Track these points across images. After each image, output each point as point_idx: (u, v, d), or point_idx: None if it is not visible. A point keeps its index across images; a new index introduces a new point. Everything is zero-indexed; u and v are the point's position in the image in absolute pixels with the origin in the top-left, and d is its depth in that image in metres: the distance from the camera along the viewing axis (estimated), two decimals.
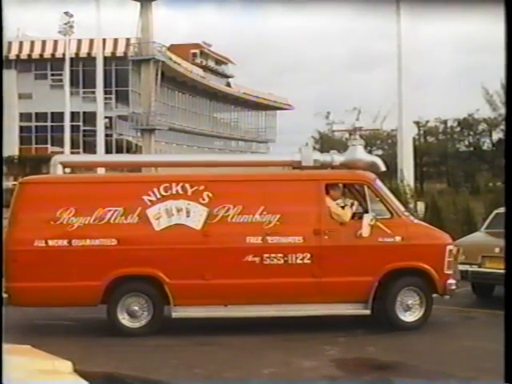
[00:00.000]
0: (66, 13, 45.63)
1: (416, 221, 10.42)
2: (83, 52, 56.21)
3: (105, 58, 44.70)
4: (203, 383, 7.57)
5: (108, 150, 48.34)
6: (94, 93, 47.90)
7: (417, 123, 45.49)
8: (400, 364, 8.24)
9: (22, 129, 57.74)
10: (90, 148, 51.05)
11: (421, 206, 19.69)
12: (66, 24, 46.08)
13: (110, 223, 9.44)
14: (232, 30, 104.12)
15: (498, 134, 46.80)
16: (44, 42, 57.86)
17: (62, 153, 46.25)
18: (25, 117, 57.70)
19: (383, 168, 10.63)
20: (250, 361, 8.34)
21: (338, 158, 10.44)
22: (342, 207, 9.91)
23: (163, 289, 9.43)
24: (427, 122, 49.47)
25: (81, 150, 55.62)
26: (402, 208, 10.20)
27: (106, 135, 48.38)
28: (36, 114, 58.66)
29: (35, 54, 58.16)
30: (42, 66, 58.73)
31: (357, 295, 9.58)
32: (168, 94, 61.84)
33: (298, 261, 9.48)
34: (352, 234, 9.57)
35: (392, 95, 23.07)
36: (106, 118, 47.80)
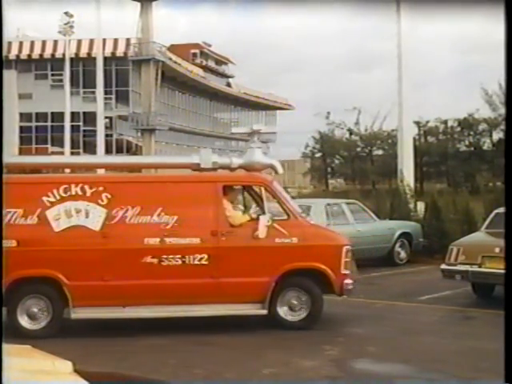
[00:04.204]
0: (65, 13, 45.56)
1: (312, 222, 10.56)
2: (83, 52, 56.21)
3: (105, 58, 44.65)
4: (203, 383, 7.57)
5: (108, 150, 48.37)
6: (94, 93, 47.87)
7: (417, 123, 45.46)
8: (400, 364, 8.25)
9: (22, 129, 57.73)
10: (90, 148, 51.07)
11: (421, 206, 19.68)
12: (65, 24, 46.00)
13: (10, 224, 9.39)
14: (232, 30, 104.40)
15: (498, 134, 46.77)
16: (44, 42, 57.87)
17: (62, 153, 46.35)
18: (25, 117, 57.67)
19: (281, 171, 10.83)
20: (250, 361, 8.34)
21: (236, 160, 10.56)
22: (239, 211, 10.10)
23: (62, 290, 9.42)
24: (427, 122, 49.44)
25: (81, 150, 55.67)
26: (298, 210, 10.35)
27: (107, 135, 48.36)
28: (36, 114, 58.68)
29: (35, 54, 58.17)
30: (42, 66, 58.73)
31: (254, 295, 9.67)
32: (168, 94, 61.85)
33: (196, 262, 9.55)
34: (249, 235, 9.67)
35: (392, 95, 23.07)
36: (106, 118, 47.80)
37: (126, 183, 10.12)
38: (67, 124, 46.11)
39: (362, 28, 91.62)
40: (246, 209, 10.44)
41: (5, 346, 3.03)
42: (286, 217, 9.93)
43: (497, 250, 10.93)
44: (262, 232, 9.57)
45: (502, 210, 11.42)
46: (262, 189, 10.01)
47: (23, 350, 3.48)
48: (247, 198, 10.92)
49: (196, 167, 10.34)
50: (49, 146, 56.43)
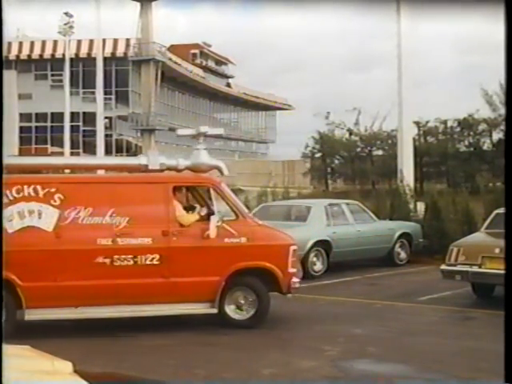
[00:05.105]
0: (65, 13, 45.60)
1: (260, 222, 10.65)
2: (83, 52, 56.28)
3: (105, 59, 44.68)
4: (203, 383, 7.57)
5: (108, 151, 48.38)
6: (93, 93, 47.92)
7: (417, 123, 45.37)
8: (400, 364, 8.25)
9: (22, 129, 57.77)
10: (89, 148, 51.09)
11: (421, 206, 19.66)
12: (65, 24, 46.03)
13: None
14: (232, 30, 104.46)
15: (498, 134, 46.69)
16: (44, 43, 57.94)
17: (62, 153, 46.37)
18: (25, 117, 57.74)
19: (226, 172, 10.97)
20: (250, 361, 8.34)
21: (183, 161, 10.67)
22: (188, 211, 10.18)
23: (16, 291, 9.36)
24: (427, 122, 49.33)
25: (81, 150, 55.70)
26: (246, 210, 10.57)
27: (106, 135, 48.40)
28: (36, 114, 58.76)
29: (35, 55, 58.25)
30: (42, 66, 58.81)
31: (205, 295, 9.76)
32: (168, 94, 61.90)
33: (148, 262, 9.62)
34: (200, 235, 9.77)
35: (392, 95, 23.05)
36: (105, 118, 47.81)
37: (78, 184, 10.12)
38: (67, 124, 46.15)
39: (361, 28, 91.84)
40: (195, 209, 10.52)
41: (4, 346, 3.03)
42: (234, 217, 10.09)
43: (497, 250, 10.92)
44: (212, 232, 9.67)
45: (502, 210, 11.41)
46: (211, 189, 10.16)
47: (23, 350, 3.48)
48: (195, 198, 10.98)
49: (144, 168, 10.44)
50: (49, 146, 56.47)
